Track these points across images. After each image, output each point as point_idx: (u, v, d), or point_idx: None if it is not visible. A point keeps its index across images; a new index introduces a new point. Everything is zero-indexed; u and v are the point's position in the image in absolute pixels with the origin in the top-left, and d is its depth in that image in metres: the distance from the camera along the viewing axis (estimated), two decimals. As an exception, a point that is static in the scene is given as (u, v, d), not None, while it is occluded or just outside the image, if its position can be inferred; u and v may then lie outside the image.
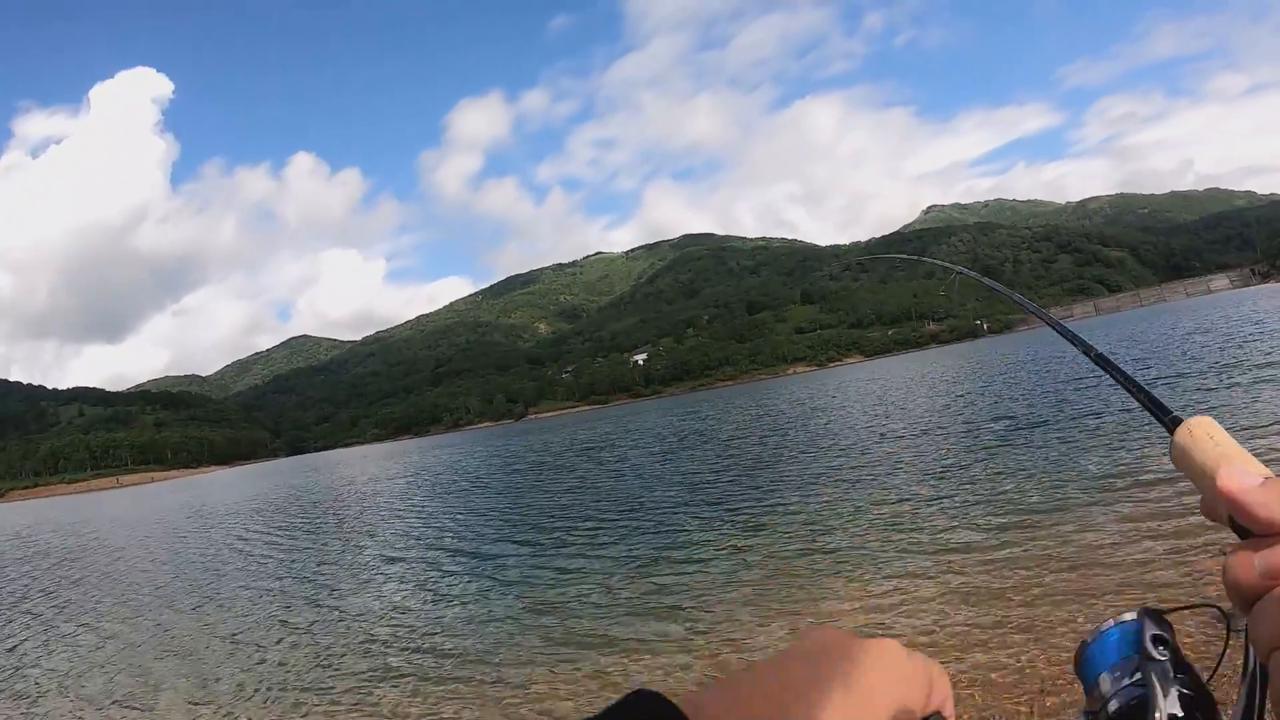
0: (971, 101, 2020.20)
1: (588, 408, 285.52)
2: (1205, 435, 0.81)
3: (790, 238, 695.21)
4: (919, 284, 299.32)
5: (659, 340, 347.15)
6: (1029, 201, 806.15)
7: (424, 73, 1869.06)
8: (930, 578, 9.46)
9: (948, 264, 2.12)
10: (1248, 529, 0.65)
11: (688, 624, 9.34)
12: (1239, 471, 0.67)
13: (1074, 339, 1.14)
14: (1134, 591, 7.65)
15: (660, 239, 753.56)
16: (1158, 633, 0.88)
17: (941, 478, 15.61)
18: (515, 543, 16.74)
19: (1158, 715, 0.80)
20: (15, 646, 13.89)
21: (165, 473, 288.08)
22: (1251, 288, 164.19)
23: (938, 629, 7.86)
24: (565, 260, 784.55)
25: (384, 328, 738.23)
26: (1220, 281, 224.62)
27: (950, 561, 9.88)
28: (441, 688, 8.70)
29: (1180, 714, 0.81)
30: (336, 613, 12.94)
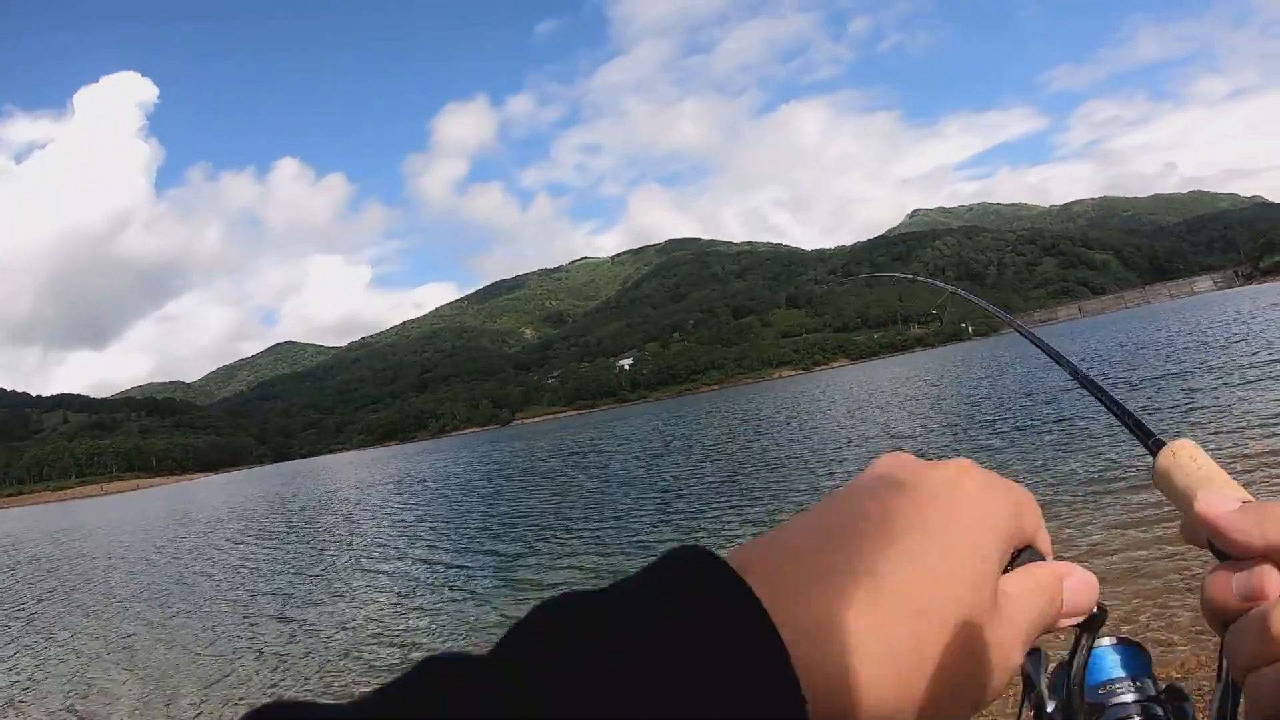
0: (956, 106, 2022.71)
1: (574, 413, 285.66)
2: (1188, 458, 0.78)
3: (776, 242, 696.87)
4: (904, 288, 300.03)
5: (645, 345, 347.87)
6: (1014, 205, 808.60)
7: (409, 77, 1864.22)
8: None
9: (941, 284, 2.19)
10: (1227, 553, 0.65)
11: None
12: (1216, 496, 0.66)
13: (1061, 360, 1.13)
14: (1125, 596, 7.46)
15: (646, 244, 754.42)
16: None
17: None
18: (497, 551, 16.47)
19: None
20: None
21: (150, 480, 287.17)
22: (1235, 289, 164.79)
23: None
24: (551, 265, 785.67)
25: (370, 333, 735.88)
26: (1204, 283, 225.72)
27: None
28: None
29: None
30: (312, 623, 12.65)
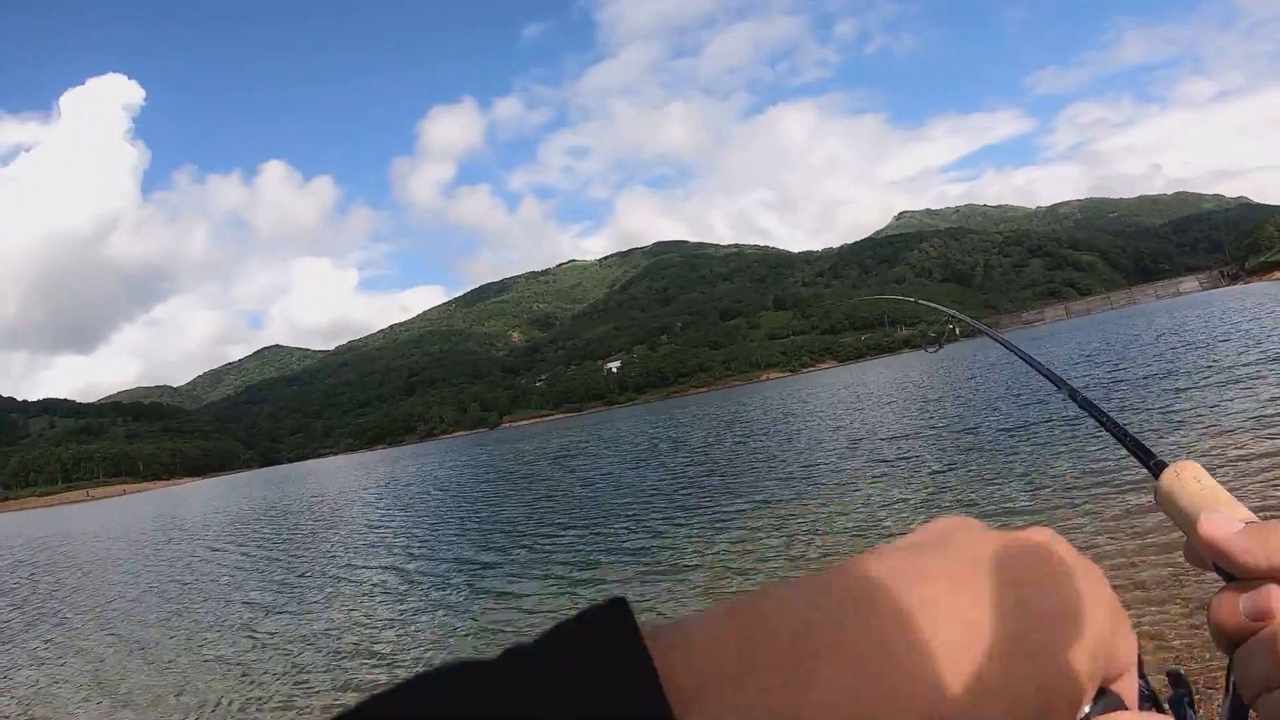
0: (943, 108, 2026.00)
1: (562, 416, 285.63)
2: (1191, 479, 0.77)
3: (763, 244, 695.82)
4: (891, 289, 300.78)
5: (633, 348, 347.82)
6: (1000, 207, 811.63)
7: (397, 80, 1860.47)
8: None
9: (942, 306, 2.14)
10: (1231, 574, 0.65)
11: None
12: (1220, 518, 0.66)
13: (1058, 381, 1.12)
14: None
15: (633, 246, 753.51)
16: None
17: (916, 484, 15.43)
18: (485, 555, 16.42)
19: None
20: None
21: (138, 485, 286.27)
22: (1220, 289, 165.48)
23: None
24: (538, 268, 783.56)
25: (357, 337, 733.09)
26: (1189, 284, 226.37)
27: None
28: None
29: None
30: (301, 628, 12.59)
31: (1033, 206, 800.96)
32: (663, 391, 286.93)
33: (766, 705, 0.34)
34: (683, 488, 20.94)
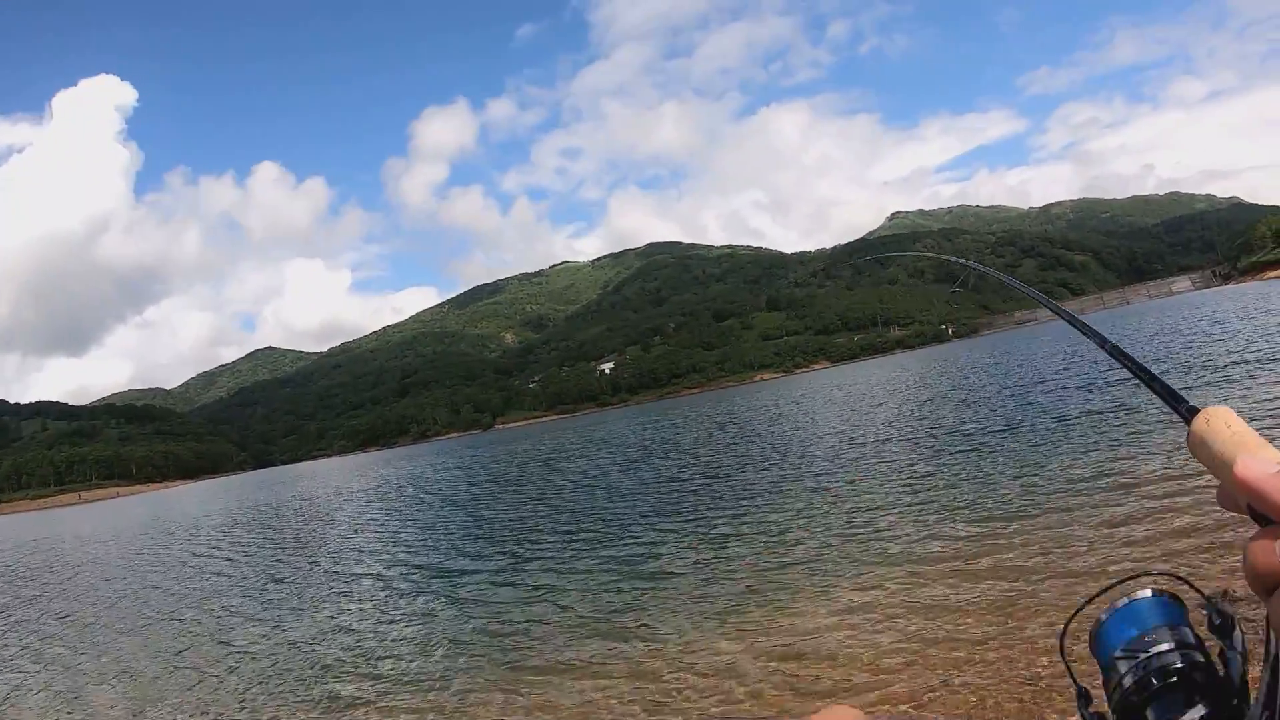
0: (935, 109, 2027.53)
1: (555, 417, 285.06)
2: (1222, 424, 0.79)
3: (756, 245, 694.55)
4: (884, 289, 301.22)
5: (626, 349, 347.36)
6: (993, 207, 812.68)
7: (389, 80, 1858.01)
8: (902, 587, 9.07)
9: (963, 260, 2.18)
10: (1267, 517, 0.64)
11: (648, 643, 8.88)
12: (1257, 460, 0.66)
13: (1090, 332, 1.15)
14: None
15: (626, 248, 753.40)
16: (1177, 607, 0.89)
17: (909, 485, 15.30)
18: (472, 559, 16.29)
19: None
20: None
21: (131, 487, 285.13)
22: (1213, 289, 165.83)
23: (912, 641, 7.44)
24: (531, 270, 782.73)
25: (350, 339, 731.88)
26: (1182, 283, 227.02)
27: (922, 571, 9.50)
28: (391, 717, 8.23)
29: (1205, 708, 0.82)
30: (284, 634, 12.40)
31: (1025, 207, 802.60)
32: (656, 393, 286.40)
33: None
34: (676, 490, 20.81)
